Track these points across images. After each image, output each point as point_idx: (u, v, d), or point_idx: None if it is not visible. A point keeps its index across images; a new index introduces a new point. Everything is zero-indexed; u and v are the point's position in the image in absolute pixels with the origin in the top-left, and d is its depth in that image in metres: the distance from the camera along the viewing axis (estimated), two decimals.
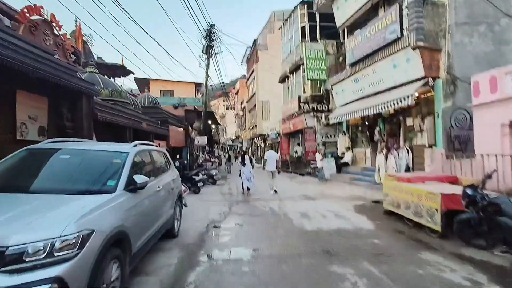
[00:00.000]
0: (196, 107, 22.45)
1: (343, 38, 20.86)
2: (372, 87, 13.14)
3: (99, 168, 4.10)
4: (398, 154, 11.17)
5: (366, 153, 15.51)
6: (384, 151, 11.87)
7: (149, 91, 28.28)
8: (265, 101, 35.63)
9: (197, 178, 12.82)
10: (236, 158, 34.44)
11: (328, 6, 17.01)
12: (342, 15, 15.59)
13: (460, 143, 10.27)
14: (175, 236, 6.25)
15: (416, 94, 10.49)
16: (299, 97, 21.46)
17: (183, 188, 8.29)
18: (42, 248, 2.57)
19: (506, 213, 5.04)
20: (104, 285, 3.06)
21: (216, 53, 19.32)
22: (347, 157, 16.27)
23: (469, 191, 5.59)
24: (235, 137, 61.91)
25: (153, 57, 18.21)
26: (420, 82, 10.40)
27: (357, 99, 14.54)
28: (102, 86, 10.37)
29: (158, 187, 5.00)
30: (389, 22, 11.22)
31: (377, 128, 13.83)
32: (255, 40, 36.19)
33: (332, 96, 20.86)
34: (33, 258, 2.53)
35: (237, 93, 56.85)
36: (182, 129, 18.99)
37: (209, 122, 25.94)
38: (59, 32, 12.48)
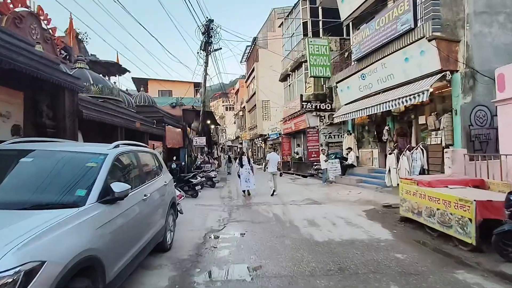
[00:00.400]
0: (194, 106, 21.61)
1: (347, 34, 20.17)
2: (381, 83, 12.33)
3: (68, 174, 3.29)
4: (411, 155, 10.35)
5: (373, 153, 14.70)
6: (396, 151, 11.06)
7: (147, 91, 27.60)
8: (266, 101, 34.80)
9: (194, 181, 12.02)
10: (235, 159, 33.72)
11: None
12: (347, 8, 14.79)
13: (481, 143, 9.48)
14: (167, 249, 5.44)
15: (431, 90, 9.68)
16: (301, 96, 20.64)
17: (178, 193, 7.50)
18: None
19: None
20: None
21: (215, 50, 18.52)
22: (351, 158, 15.44)
23: None
24: (234, 138, 61.07)
25: (149, 52, 17.41)
26: (436, 77, 9.59)
27: (364, 96, 13.73)
28: (92, 82, 9.56)
29: (145, 195, 4.19)
30: (401, 12, 10.41)
31: (386, 127, 13.01)
32: (254, 38, 35.37)
33: (336, 94, 20.20)
34: None
35: (236, 93, 56.07)
36: (179, 129, 18.18)
37: (208, 122, 25.08)
38: (47, 26, 11.70)
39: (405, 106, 11.75)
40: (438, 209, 5.99)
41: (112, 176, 3.48)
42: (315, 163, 19.27)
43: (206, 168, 18.06)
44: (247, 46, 38.78)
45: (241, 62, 43.35)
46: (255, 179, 13.14)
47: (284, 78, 25.34)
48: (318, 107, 20.22)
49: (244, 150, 34.23)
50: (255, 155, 41.22)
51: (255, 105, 37.19)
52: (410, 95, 10.04)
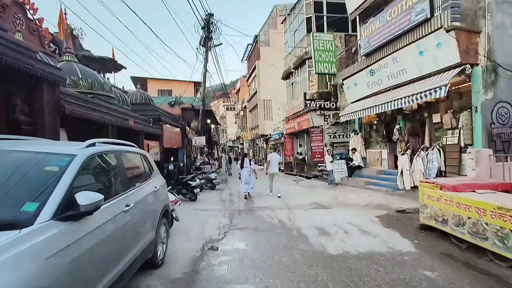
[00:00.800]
0: (194, 106, 20.86)
1: (353, 30, 19.44)
2: (392, 79, 11.56)
3: (17, 181, 2.52)
4: (426, 156, 9.58)
5: (382, 154, 13.90)
6: (409, 152, 10.28)
7: (146, 90, 26.87)
8: (267, 100, 34.07)
9: (193, 183, 11.25)
10: (236, 160, 33.00)
11: None
12: (354, 0, 14.02)
13: (503, 143, 8.72)
14: (158, 265, 4.67)
15: (449, 85, 8.90)
16: (305, 94, 19.93)
17: (173, 198, 6.74)
18: None
19: None
20: None
21: (215, 45, 17.75)
22: (356, 159, 14.65)
23: None
24: (235, 138, 60.31)
25: (143, 43, 16.62)
26: (455, 70, 8.82)
27: (372, 93, 12.96)
28: (80, 76, 8.81)
29: (128, 205, 3.43)
30: (416, 1, 9.64)
31: (397, 126, 12.23)
32: (256, 36, 34.62)
33: (341, 92, 19.44)
34: None
35: (237, 93, 55.28)
36: (178, 129, 17.43)
37: (208, 121, 24.33)
38: (33, 16, 10.94)
39: (418, 103, 10.98)
40: (469, 217, 5.22)
41: (80, 184, 2.72)
42: (320, 164, 18.53)
43: (206, 169, 17.31)
44: (248, 44, 38.04)
45: (242, 60, 42.59)
46: (258, 180, 12.84)
47: (287, 76, 24.58)
48: (322, 106, 19.49)
49: (245, 151, 33.50)
50: (256, 155, 40.42)
51: (256, 105, 36.42)
52: (425, 91, 9.27)
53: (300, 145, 23.77)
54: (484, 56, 8.66)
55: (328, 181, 15.17)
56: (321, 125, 19.84)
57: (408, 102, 10.08)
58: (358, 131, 15.32)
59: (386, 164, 13.56)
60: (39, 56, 5.87)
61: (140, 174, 4.39)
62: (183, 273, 4.61)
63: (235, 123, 60.20)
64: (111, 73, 18.54)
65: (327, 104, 19.55)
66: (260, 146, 39.39)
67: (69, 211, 2.40)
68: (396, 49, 10.97)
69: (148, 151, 11.40)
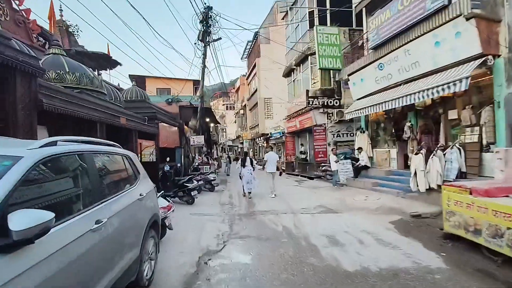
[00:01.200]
0: (192, 104, 20.09)
1: (357, 24, 18.69)
2: (403, 73, 10.79)
3: None
4: (444, 155, 8.81)
5: (390, 153, 13.12)
6: (423, 151, 9.50)
7: (145, 89, 26.16)
8: (268, 98, 33.30)
9: (190, 185, 10.49)
10: (236, 159, 32.27)
11: None
12: None
13: None
14: (145, 287, 3.91)
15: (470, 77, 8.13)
16: (307, 91, 19.16)
17: (166, 204, 5.99)
18: None
19: None
20: None
21: (213, 40, 16.95)
22: (363, 159, 13.87)
23: None
24: (235, 137, 59.51)
25: (140, 38, 15.85)
26: (476, 62, 8.05)
27: (381, 89, 12.18)
28: (67, 70, 8.05)
29: (98, 221, 2.66)
30: None
31: (408, 124, 11.44)
32: (256, 33, 33.83)
33: (345, 90, 18.68)
34: None
35: (237, 91, 54.51)
36: (175, 127, 16.66)
37: (207, 120, 23.55)
38: (19, 7, 10.18)
39: (432, 99, 10.24)
40: (509, 228, 4.46)
41: (24, 198, 1.96)
42: (323, 164, 17.77)
43: (204, 170, 16.54)
44: (248, 41, 37.27)
45: (242, 58, 41.79)
46: (256, 179, 12.49)
47: (288, 73, 23.81)
48: (325, 104, 18.76)
49: (246, 150, 32.76)
50: (256, 155, 39.63)
51: (256, 103, 35.65)
52: (444, 85, 8.49)
53: (302, 145, 23.02)
54: (506, 47, 7.89)
55: (333, 182, 14.42)
56: (324, 124, 19.09)
57: (423, 97, 9.31)
58: (364, 129, 14.54)
59: (395, 164, 12.78)
60: (12, 44, 5.09)
61: (120, 179, 3.63)
62: None
63: (235, 122, 59.42)
64: (106, 70, 17.77)
65: (330, 102, 18.83)
66: (260, 145, 38.61)
67: None
68: (408, 40, 10.21)
69: (142, 151, 10.65)
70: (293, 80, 23.08)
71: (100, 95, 8.72)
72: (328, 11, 18.63)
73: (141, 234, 3.68)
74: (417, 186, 9.56)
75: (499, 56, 8.07)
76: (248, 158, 12.74)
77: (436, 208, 8.58)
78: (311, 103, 18.75)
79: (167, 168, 11.21)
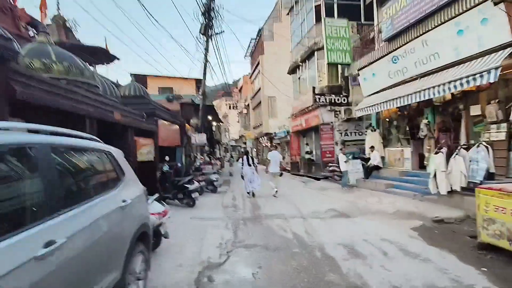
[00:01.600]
0: (194, 101, 19.34)
1: (366, 19, 17.93)
2: (420, 66, 10.01)
3: None
4: (468, 155, 8.01)
5: (404, 153, 12.29)
6: (444, 150, 8.70)
7: (146, 88, 25.40)
8: (272, 97, 32.50)
9: (190, 187, 9.73)
10: (238, 159, 31.71)
11: None
12: None
13: None
14: None
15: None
16: (314, 88, 18.36)
17: (162, 209, 5.23)
18: None
19: None
20: None
21: (216, 33, 16.20)
22: (375, 159, 13.05)
23: None
24: (238, 137, 58.74)
25: (142, 31, 15.17)
26: (505, 51, 7.24)
27: (394, 84, 11.40)
28: (54, 59, 7.32)
29: (50, 242, 1.88)
30: None
31: (424, 121, 10.62)
32: (260, 30, 33.07)
33: (353, 87, 17.92)
34: None
35: (240, 90, 53.74)
36: (176, 126, 15.89)
37: (210, 118, 22.83)
38: None
39: (452, 93, 9.45)
40: None
41: None
42: (330, 164, 16.97)
43: (206, 170, 15.80)
44: (252, 39, 36.51)
45: (245, 56, 41.06)
46: (259, 178, 12.21)
47: (293, 70, 23.05)
48: (333, 101, 17.96)
49: (248, 149, 32.02)
50: (260, 155, 38.82)
51: (260, 102, 34.87)
52: (468, 77, 7.69)
53: (307, 144, 22.23)
54: None
55: (342, 183, 13.62)
56: (332, 122, 18.31)
57: (444, 90, 8.51)
58: (375, 127, 13.74)
59: (409, 164, 11.97)
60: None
61: (95, 182, 2.88)
62: None
63: (238, 121, 58.67)
64: (103, 64, 17.03)
65: (338, 99, 18.04)
66: (264, 145, 37.82)
67: None
68: (427, 29, 9.44)
69: (139, 150, 9.91)
70: (299, 77, 22.32)
71: (92, 88, 7.97)
72: (335, 4, 17.86)
73: (124, 251, 2.92)
74: (437, 188, 8.77)
75: None
76: (248, 156, 12.50)
77: (460, 212, 7.82)
78: (318, 100, 17.95)
79: (166, 168, 10.47)
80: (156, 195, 5.38)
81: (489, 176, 7.62)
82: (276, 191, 11.79)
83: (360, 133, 18.04)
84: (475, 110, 9.23)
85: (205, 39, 15.69)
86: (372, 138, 13.62)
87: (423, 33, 9.57)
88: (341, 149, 14.64)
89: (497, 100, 8.38)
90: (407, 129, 12.18)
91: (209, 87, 33.20)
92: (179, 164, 13.66)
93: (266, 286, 4.09)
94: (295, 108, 22.81)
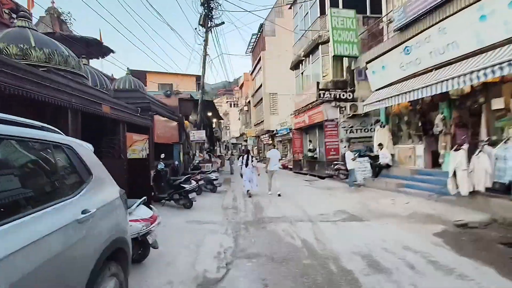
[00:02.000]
0: (193, 97, 18.57)
1: (372, 11, 17.19)
2: (436, 57, 9.24)
3: None
4: (492, 152, 7.24)
5: (416, 150, 11.50)
6: (465, 146, 7.93)
7: (146, 85, 24.73)
8: (273, 93, 31.75)
9: (187, 187, 8.96)
10: (239, 157, 31.02)
11: None
12: None
13: None
14: None
15: None
16: (318, 84, 17.57)
17: (150, 214, 4.48)
18: None
19: None
20: None
21: (216, 25, 15.40)
22: (385, 157, 12.26)
23: None
24: (239, 135, 57.98)
25: (141, 26, 14.37)
26: None
27: (406, 77, 10.62)
28: (33, 45, 6.56)
29: None
30: None
31: (440, 116, 9.83)
32: (261, 25, 32.25)
33: (358, 82, 17.14)
34: None
35: (241, 87, 52.98)
36: (175, 122, 15.14)
37: (209, 114, 22.03)
38: None
39: (472, 85, 8.67)
40: None
41: None
42: (336, 162, 16.22)
43: (206, 168, 15.04)
44: (253, 34, 35.70)
45: (246, 52, 40.23)
46: (260, 178, 12.15)
47: (296, 65, 22.25)
48: (337, 97, 17.20)
49: (249, 148, 31.29)
50: (261, 153, 38.06)
51: (261, 99, 34.10)
52: (494, 66, 6.91)
53: (311, 141, 21.44)
54: None
55: (349, 182, 12.85)
56: (337, 118, 17.53)
57: (466, 82, 7.71)
58: (384, 124, 12.95)
59: (422, 162, 11.19)
60: None
61: (41, 188, 2.09)
62: None
63: (239, 119, 57.92)
64: (98, 58, 16.25)
65: (343, 95, 17.28)
66: (265, 143, 37.06)
67: None
68: (444, 16, 8.66)
69: (131, 146, 9.16)
70: (302, 73, 21.53)
71: (77, 77, 7.20)
72: None
73: (83, 280, 2.15)
74: (457, 188, 8.01)
75: None
76: (249, 156, 12.27)
77: (484, 215, 7.06)
78: (322, 96, 17.20)
79: (161, 166, 9.69)
80: (144, 198, 4.61)
81: None
82: (279, 194, 11.37)
83: (366, 130, 17.30)
84: (497, 103, 8.43)
85: (205, 30, 14.91)
86: (381, 135, 12.84)
87: (440, 20, 8.78)
88: (348, 146, 13.89)
89: None
90: (420, 124, 11.39)
91: (209, 85, 32.49)
92: (176, 162, 12.90)
93: None
94: (298, 105, 22.03)
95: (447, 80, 8.26)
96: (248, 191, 11.63)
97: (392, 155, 12.49)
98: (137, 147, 9.56)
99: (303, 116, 20.91)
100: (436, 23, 8.96)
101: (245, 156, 12.15)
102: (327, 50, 17.49)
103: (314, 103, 18.67)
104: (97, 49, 14.73)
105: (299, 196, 11.15)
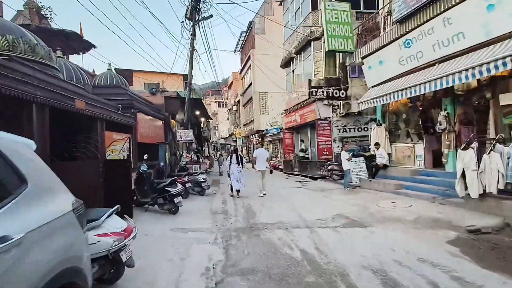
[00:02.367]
0: (179, 95, 17.74)
1: (365, 7, 16.66)
2: (439, 50, 8.67)
3: None
4: (506, 150, 6.68)
5: (415, 149, 10.94)
6: (475, 144, 7.36)
7: (132, 84, 23.82)
8: (263, 92, 31.04)
9: (173, 190, 8.19)
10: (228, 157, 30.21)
11: None
12: None
13: None
14: None
15: None
16: (310, 81, 16.94)
17: (125, 226, 3.73)
18: None
19: None
20: None
21: (204, 18, 14.63)
22: (382, 157, 11.67)
23: None
24: (228, 135, 57.15)
25: (130, 23, 13.57)
26: None
27: (406, 71, 10.05)
28: None
29: None
30: None
31: (443, 113, 9.25)
32: (250, 23, 31.56)
33: (351, 79, 16.62)
34: None
35: (229, 87, 52.18)
36: (160, 121, 14.33)
37: (197, 113, 21.22)
38: None
39: (478, 80, 8.13)
40: None
41: None
42: (329, 163, 15.62)
43: (193, 169, 14.25)
44: (242, 32, 34.94)
45: (235, 51, 39.44)
46: (249, 179, 12.13)
47: (287, 62, 21.61)
48: (330, 95, 16.61)
49: (237, 148, 30.54)
50: (250, 153, 37.33)
51: (251, 98, 33.38)
52: (504, 58, 6.35)
53: (302, 141, 20.85)
54: None
55: (345, 183, 12.23)
56: (329, 117, 16.96)
57: (474, 75, 7.12)
58: (381, 122, 12.37)
59: (422, 162, 10.63)
60: None
61: None
62: None
63: (228, 119, 57.09)
64: (78, 54, 15.32)
65: (336, 93, 16.71)
66: (255, 143, 36.35)
67: None
68: (449, 6, 8.10)
69: (109, 146, 8.35)
70: (293, 70, 20.91)
71: (46, 69, 6.39)
72: None
73: None
74: (466, 190, 7.43)
75: None
76: (237, 154, 11.95)
77: (495, 219, 6.51)
78: (314, 94, 16.58)
79: (144, 168, 8.88)
80: (117, 207, 3.85)
81: None
82: (264, 193, 11.23)
83: (360, 129, 16.79)
84: (505, 99, 7.89)
85: (192, 24, 14.13)
86: (378, 134, 12.25)
87: (445, 10, 8.22)
88: (343, 146, 13.28)
89: None
90: (420, 122, 10.84)
91: (197, 85, 31.62)
92: (161, 163, 12.09)
93: None
94: (289, 103, 21.40)
95: (453, 73, 7.69)
96: (238, 191, 11.32)
97: (389, 155, 11.93)
98: (117, 147, 8.75)
99: (294, 115, 20.28)
100: (441, 12, 8.40)
101: (234, 155, 11.71)
102: (319, 47, 16.93)
103: (305, 102, 18.06)
104: (77, 43, 13.80)
105: (292, 199, 10.49)
